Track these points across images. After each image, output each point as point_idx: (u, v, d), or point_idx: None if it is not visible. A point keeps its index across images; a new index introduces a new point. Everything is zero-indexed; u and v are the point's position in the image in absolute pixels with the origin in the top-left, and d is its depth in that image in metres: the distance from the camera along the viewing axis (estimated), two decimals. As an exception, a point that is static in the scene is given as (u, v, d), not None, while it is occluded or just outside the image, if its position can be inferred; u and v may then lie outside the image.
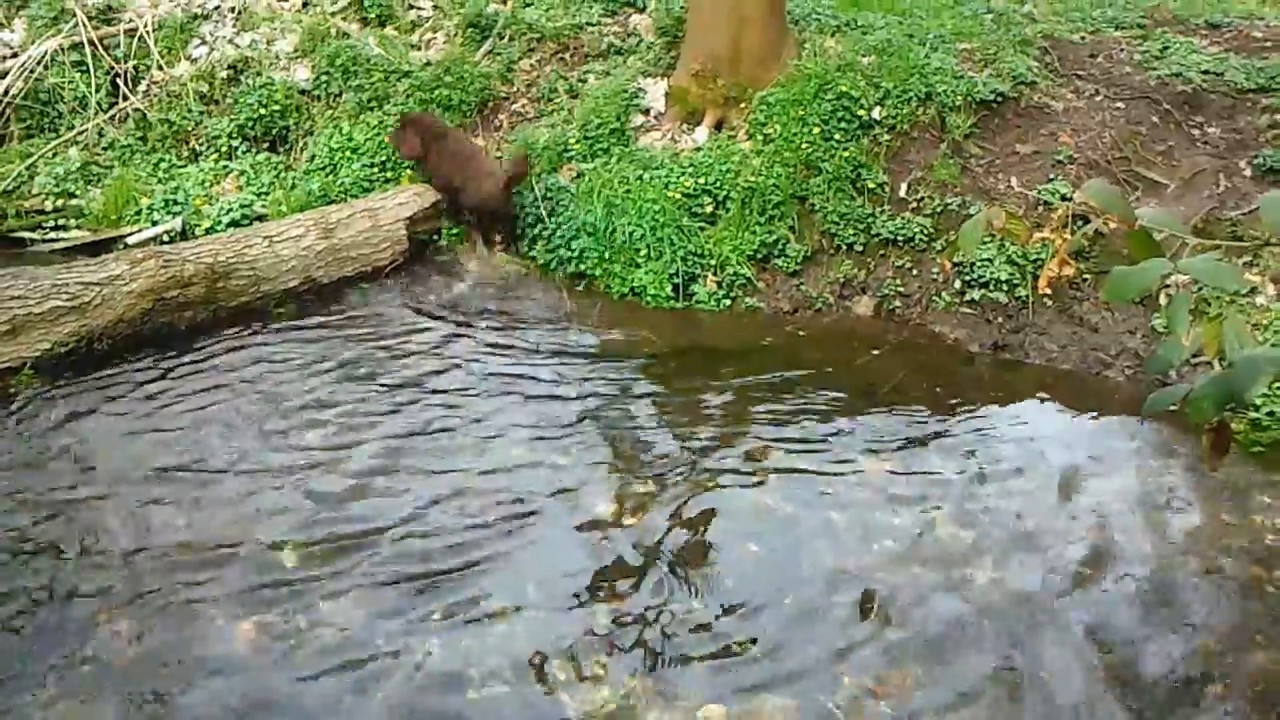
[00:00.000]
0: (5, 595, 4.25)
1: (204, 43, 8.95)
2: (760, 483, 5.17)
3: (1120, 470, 5.35)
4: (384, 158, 7.93)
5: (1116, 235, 6.40)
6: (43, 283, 6.03)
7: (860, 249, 7.16)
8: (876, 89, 7.60)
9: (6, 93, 8.42)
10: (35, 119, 8.52)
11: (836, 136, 7.40)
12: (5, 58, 8.68)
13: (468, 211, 7.50)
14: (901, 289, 7.03)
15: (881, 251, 7.16)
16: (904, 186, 7.33)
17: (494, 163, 7.63)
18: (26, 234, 7.80)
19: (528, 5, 9.04)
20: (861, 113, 7.49)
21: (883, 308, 7.02)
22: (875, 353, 6.58)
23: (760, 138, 7.52)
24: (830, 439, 5.54)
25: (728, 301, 7.06)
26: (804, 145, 7.32)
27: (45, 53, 8.59)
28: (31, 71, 8.52)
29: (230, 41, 8.91)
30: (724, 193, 7.28)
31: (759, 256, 7.18)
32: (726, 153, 7.47)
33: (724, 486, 5.12)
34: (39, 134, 8.44)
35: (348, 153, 7.99)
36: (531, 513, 4.82)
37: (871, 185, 7.31)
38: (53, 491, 4.93)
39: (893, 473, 5.25)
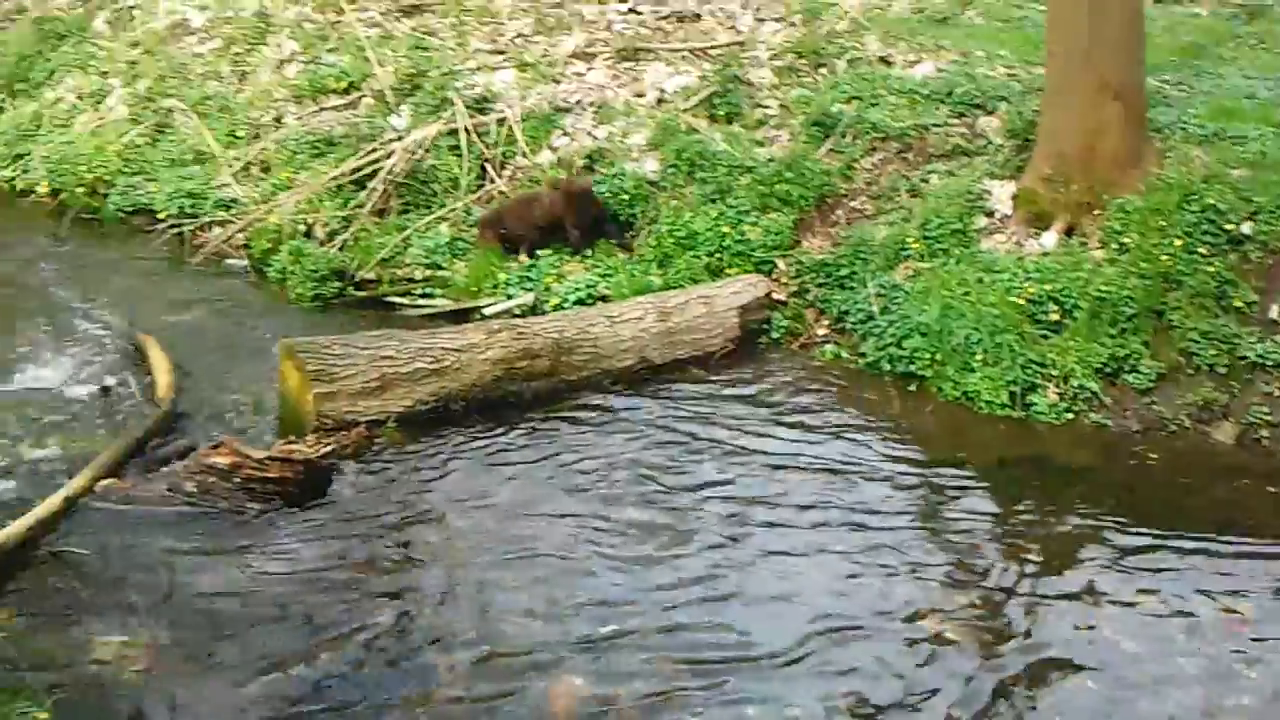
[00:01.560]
0: (356, 630, 4.81)
1: (565, 134, 9.86)
2: (1098, 614, 5.04)
3: None
4: (715, 247, 8.36)
5: None
6: (410, 345, 6.81)
7: (1223, 370, 6.87)
8: (1248, 203, 7.32)
9: (391, 171, 9.57)
10: (413, 196, 9.65)
11: (1201, 250, 7.19)
12: (392, 140, 9.87)
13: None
14: (1270, 418, 6.67)
15: (1248, 375, 6.85)
16: (1275, 308, 6.96)
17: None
18: (397, 299, 8.85)
19: (873, 105, 9.35)
20: (1230, 227, 7.25)
21: (1246, 436, 6.68)
22: (1236, 485, 6.23)
23: (1115, 246, 7.42)
24: (1180, 574, 5.32)
25: (1069, 415, 6.94)
26: (1163, 257, 7.15)
27: (426, 137, 9.74)
28: (413, 153, 9.67)
29: (589, 133, 9.77)
30: (1071, 301, 7.21)
31: (1106, 370, 7.05)
32: (1076, 260, 7.41)
33: (1058, 613, 5.05)
34: (414, 210, 9.55)
35: (686, 242, 8.48)
36: (857, 627, 4.91)
37: (1239, 304, 7.03)
38: (403, 540, 5.55)
39: (1252, 621, 4.95)
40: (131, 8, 13.74)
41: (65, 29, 13.63)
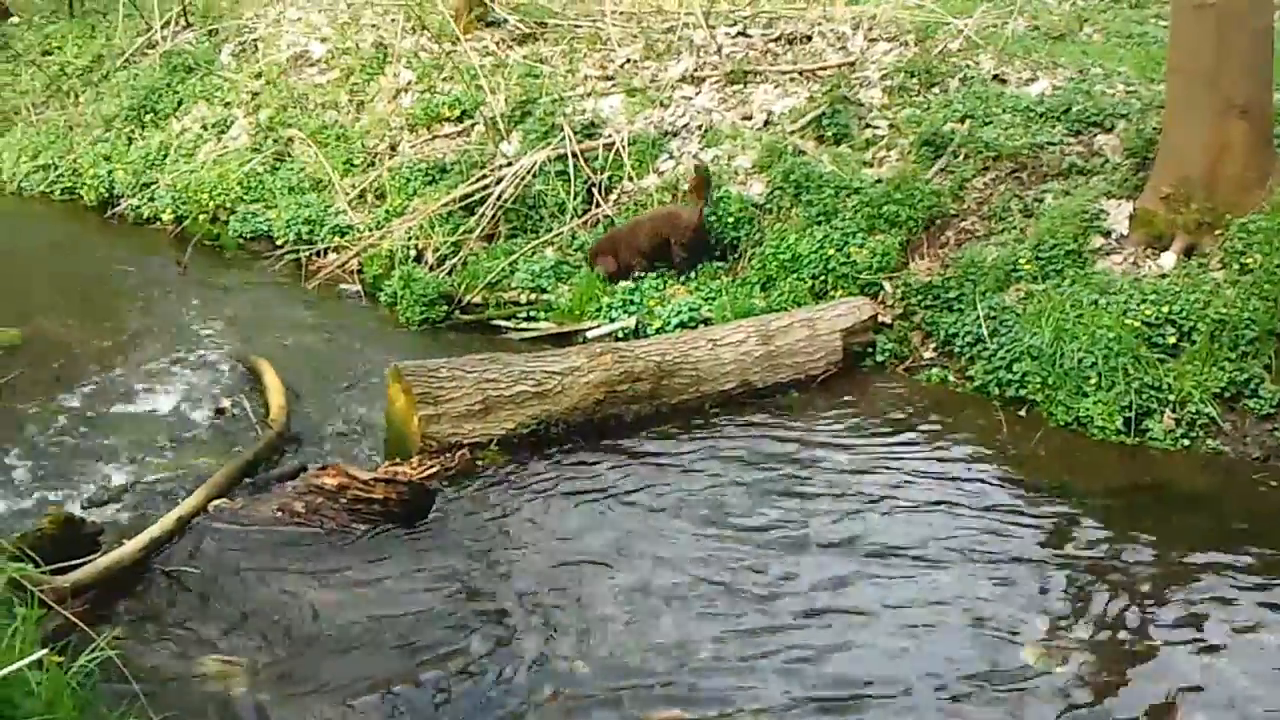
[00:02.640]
0: (455, 653, 4.94)
1: (671, 157, 10.01)
2: (1211, 649, 4.91)
3: None
4: (820, 269, 8.41)
5: None
6: (514, 368, 6.98)
7: (1349, 396, 6.63)
8: (1379, 224, 7.06)
9: (500, 197, 9.84)
10: (520, 221, 9.92)
11: (1327, 272, 6.95)
12: (502, 166, 10.15)
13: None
14: (1396, 445, 6.40)
15: (1374, 401, 6.59)
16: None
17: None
18: (503, 322, 9.12)
19: (986, 124, 9.28)
20: (1360, 248, 6.98)
21: (1371, 464, 6.43)
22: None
23: (1236, 267, 7.23)
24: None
25: (1186, 441, 6.78)
26: (1289, 278, 6.93)
27: (535, 163, 10.00)
28: (522, 179, 9.91)
29: (695, 157, 9.88)
30: (1190, 324, 7.06)
31: (1225, 395, 6.86)
32: (1196, 281, 7.25)
33: (1174, 644, 4.93)
34: (522, 234, 9.81)
35: (790, 264, 8.54)
36: (965, 658, 4.87)
37: (1366, 327, 6.77)
38: (505, 563, 5.68)
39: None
40: (256, 40, 14.42)
41: (193, 62, 14.35)
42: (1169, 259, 7.66)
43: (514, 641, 5.00)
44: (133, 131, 13.80)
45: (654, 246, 8.95)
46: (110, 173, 13.20)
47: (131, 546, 5.44)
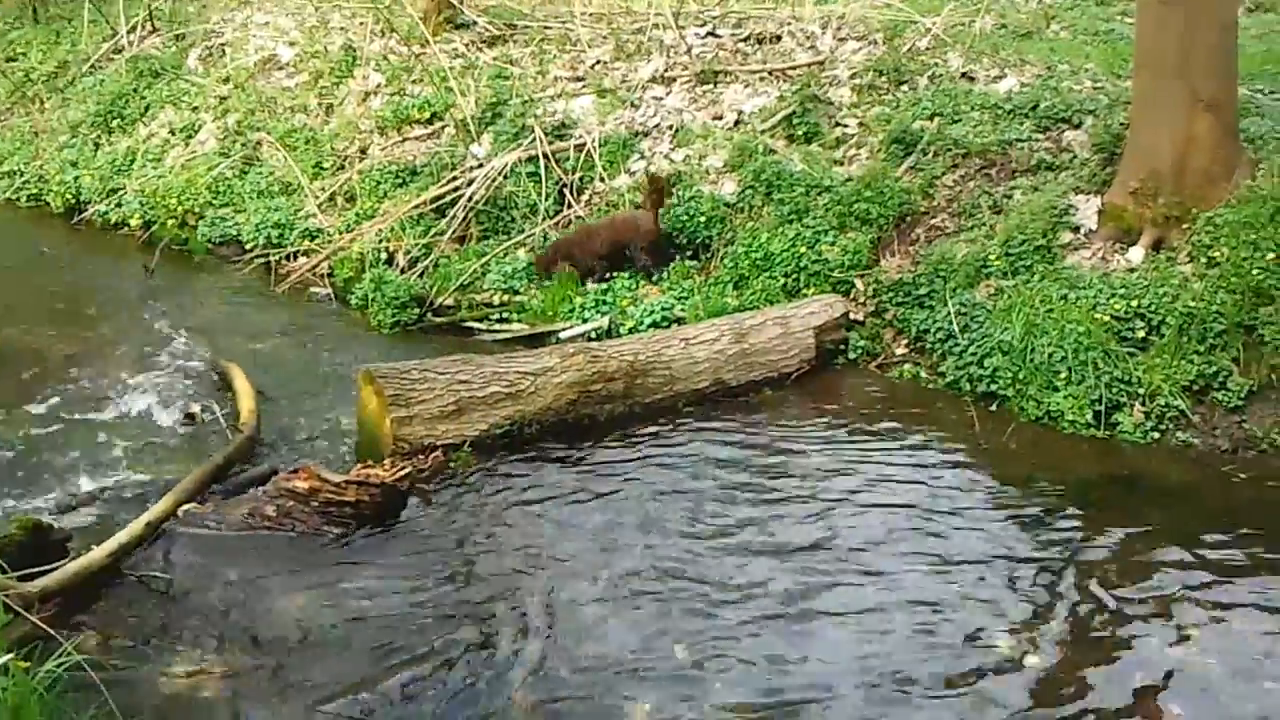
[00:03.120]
0: (429, 654, 4.94)
1: (642, 157, 10.02)
2: (1184, 639, 4.96)
3: None
4: (792, 267, 8.43)
5: None
6: (486, 369, 6.98)
7: (1317, 388, 6.71)
8: (1347, 214, 7.14)
9: (471, 199, 9.83)
10: (491, 223, 9.90)
11: (1296, 263, 7.02)
12: (473, 168, 10.14)
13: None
14: (1366, 436, 6.49)
15: (1343, 392, 6.66)
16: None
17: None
18: (475, 324, 9.10)
19: (955, 122, 9.34)
20: (1327, 239, 7.06)
21: (1340, 455, 6.50)
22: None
23: (1204, 260, 7.31)
24: (1270, 595, 5.22)
25: (1155, 434, 6.85)
26: (1255, 271, 7.02)
27: (506, 164, 9.98)
28: (493, 180, 9.90)
29: (666, 157, 9.91)
30: (1158, 317, 7.13)
31: (1195, 388, 6.93)
32: (1164, 275, 7.33)
33: (1145, 635, 4.99)
34: (493, 236, 9.80)
35: (763, 263, 8.56)
36: (935, 650, 4.91)
37: (1334, 318, 6.85)
38: (478, 564, 5.69)
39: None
40: (223, 45, 14.33)
41: (160, 67, 14.25)
42: (1137, 253, 7.73)
43: (487, 643, 5.01)
44: (99, 137, 13.68)
45: (613, 251, 8.97)
46: (77, 179, 13.08)
47: (100, 552, 5.41)
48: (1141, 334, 7.16)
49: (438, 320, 9.25)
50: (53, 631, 4.35)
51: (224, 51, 14.24)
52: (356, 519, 5.97)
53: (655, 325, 8.35)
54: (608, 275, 9.03)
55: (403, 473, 6.26)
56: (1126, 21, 11.39)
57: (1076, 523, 5.96)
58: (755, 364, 7.71)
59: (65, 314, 9.69)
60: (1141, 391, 6.97)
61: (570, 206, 9.84)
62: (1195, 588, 5.33)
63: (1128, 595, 5.29)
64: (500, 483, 6.51)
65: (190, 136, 12.95)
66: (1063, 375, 7.08)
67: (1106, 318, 7.21)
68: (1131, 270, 7.58)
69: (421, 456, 6.54)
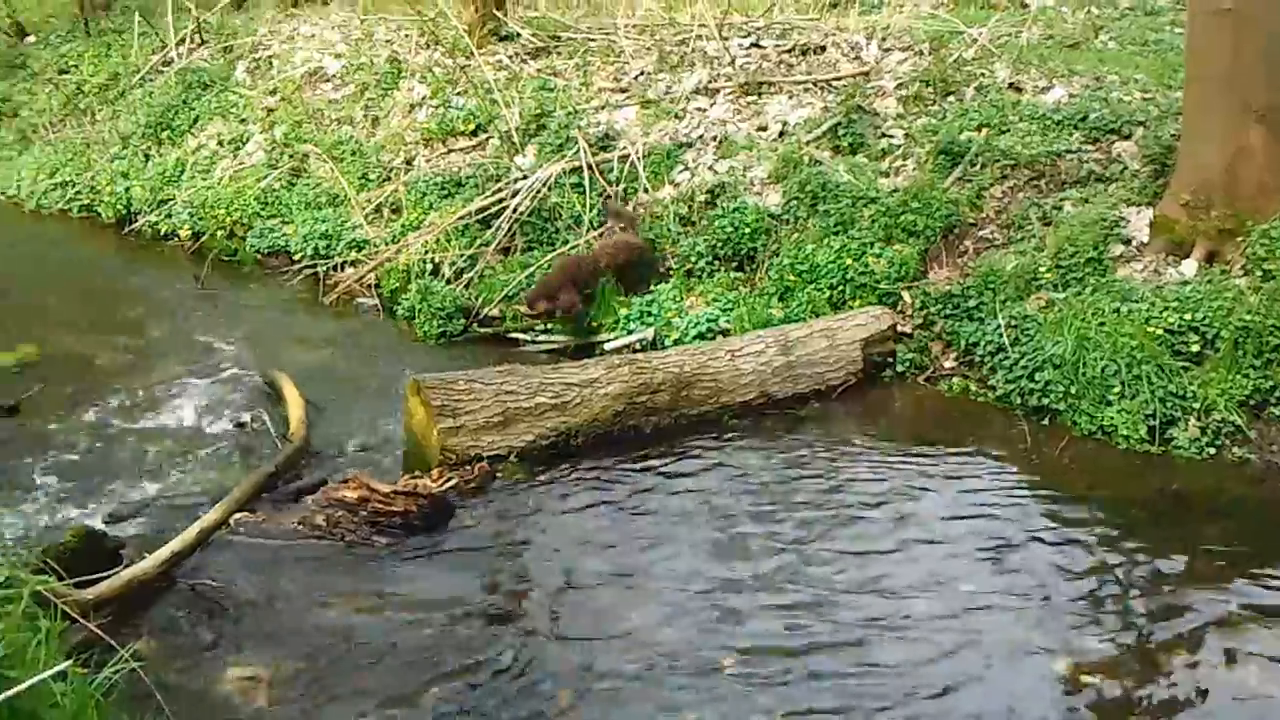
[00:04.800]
0: (474, 665, 4.96)
1: (686, 169, 10.02)
2: (1241, 657, 4.89)
3: None
4: (838, 279, 8.37)
5: None
6: (532, 381, 6.99)
7: (1377, 403, 6.58)
8: (1404, 226, 7.02)
9: (516, 210, 9.86)
10: (536, 234, 9.92)
11: (1353, 277, 6.91)
12: (517, 179, 10.17)
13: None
14: None
15: (1403, 408, 6.53)
16: None
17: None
18: (520, 335, 9.10)
19: (1003, 132, 9.27)
20: (1385, 251, 6.94)
21: (1401, 472, 6.37)
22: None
23: (1259, 273, 7.19)
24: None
25: (1211, 450, 6.74)
26: (1312, 284, 6.88)
27: (550, 175, 10.01)
28: (537, 192, 9.93)
29: (710, 168, 9.90)
30: (1213, 331, 7.02)
31: (1251, 403, 6.81)
32: (1218, 288, 7.21)
33: (1199, 655, 4.91)
34: (538, 247, 9.81)
35: (808, 275, 8.52)
36: (989, 667, 4.87)
37: (1394, 332, 6.72)
38: (524, 575, 5.71)
39: None
40: (270, 57, 14.49)
41: (208, 79, 14.42)
42: (1190, 266, 7.63)
43: (532, 654, 5.01)
44: (149, 148, 13.86)
45: (616, 271, 9.01)
46: (128, 189, 13.25)
47: (153, 560, 5.47)
48: (1196, 348, 7.06)
49: (483, 331, 9.28)
50: (108, 638, 4.38)
51: (271, 64, 14.41)
52: (404, 529, 6.01)
53: (700, 337, 8.33)
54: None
55: (450, 483, 6.32)
56: (1176, 32, 11.26)
57: (1131, 540, 5.87)
58: (801, 376, 7.66)
59: (116, 323, 9.81)
60: (1196, 406, 6.86)
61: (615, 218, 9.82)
62: (1253, 608, 5.24)
63: (1184, 615, 5.20)
64: (546, 494, 6.52)
65: (238, 148, 13.09)
66: (1116, 389, 6.99)
67: (1160, 331, 7.11)
68: (1184, 283, 7.47)
69: (468, 467, 6.59)
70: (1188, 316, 7.13)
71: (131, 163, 13.71)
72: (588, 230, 9.72)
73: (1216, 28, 7.61)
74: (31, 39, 18.53)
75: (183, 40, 15.51)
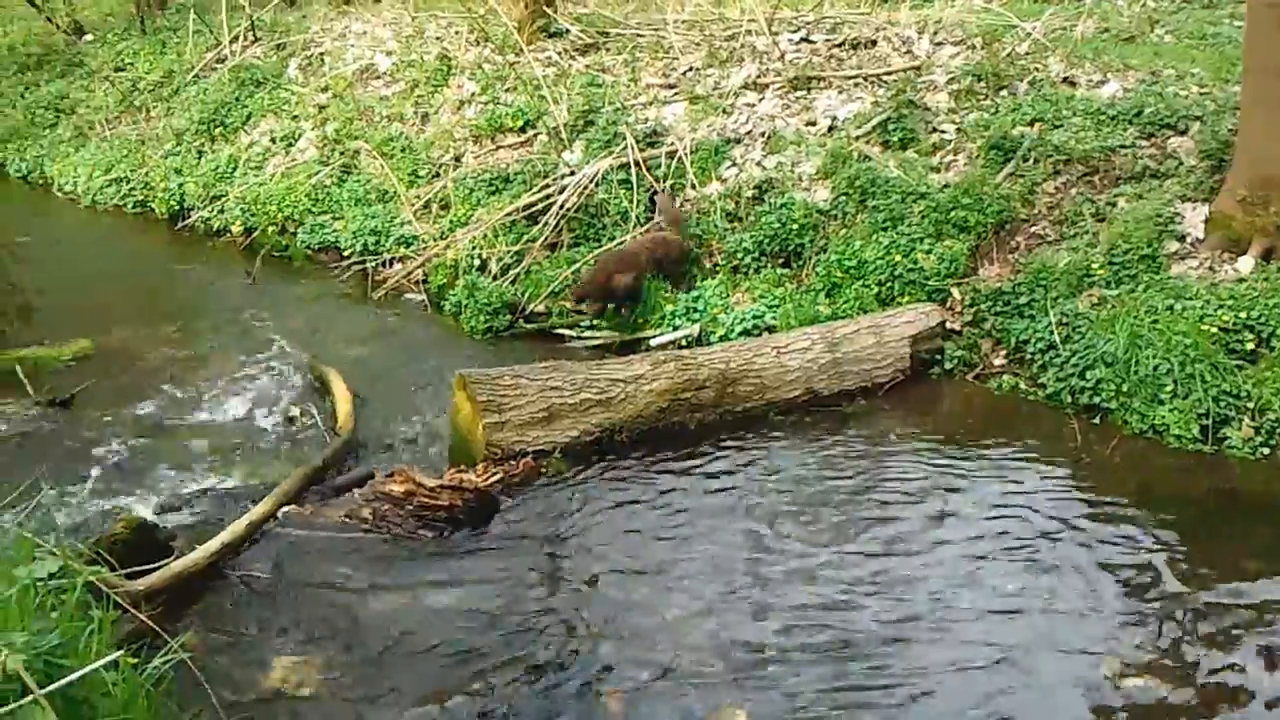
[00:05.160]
0: (518, 660, 5.01)
1: (734, 164, 9.99)
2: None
3: None
4: (886, 275, 8.32)
5: None
6: (577, 376, 7.01)
7: None
8: None
9: (563, 206, 9.89)
10: (583, 229, 9.94)
11: None
12: (565, 175, 10.20)
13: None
14: None
15: None
16: None
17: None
18: (566, 331, 9.12)
19: (1056, 127, 9.16)
20: None
21: None
22: None
23: (1318, 270, 7.04)
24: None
25: (1265, 450, 6.62)
26: (1372, 282, 6.74)
27: (598, 171, 10.03)
28: (585, 188, 9.95)
29: (758, 164, 9.87)
30: (1269, 329, 6.90)
31: (1307, 403, 6.67)
32: (1275, 286, 7.10)
33: (1249, 656, 4.85)
34: (584, 243, 9.84)
35: (856, 271, 8.47)
36: (1034, 670, 4.83)
37: None
38: (568, 570, 5.74)
39: None
40: (322, 54, 14.65)
41: (261, 76, 14.61)
42: (1246, 263, 7.50)
43: (575, 647, 5.05)
44: (203, 145, 14.08)
45: (655, 266, 8.98)
46: (181, 185, 13.47)
47: (203, 552, 5.56)
48: (1250, 346, 6.94)
49: (529, 327, 9.33)
50: (159, 629, 4.45)
51: (323, 61, 14.57)
52: (450, 523, 6.06)
53: (746, 333, 8.31)
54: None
55: (495, 478, 6.36)
56: (1234, 25, 11.07)
57: (1181, 540, 5.79)
58: (848, 373, 7.63)
59: (169, 317, 9.98)
60: (1251, 406, 6.74)
61: (661, 214, 9.82)
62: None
63: (1235, 617, 5.13)
64: (590, 490, 6.54)
65: (290, 144, 13.25)
66: (1168, 388, 6.89)
67: (1214, 329, 6.99)
68: (1240, 280, 7.35)
69: (513, 462, 6.63)
70: (1243, 314, 7.01)
71: (185, 159, 13.94)
72: (634, 226, 9.73)
73: (1275, 20, 7.47)
74: (89, 37, 18.88)
75: (236, 38, 15.74)
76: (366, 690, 4.81)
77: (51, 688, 3.21)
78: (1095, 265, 7.80)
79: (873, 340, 7.73)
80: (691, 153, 10.15)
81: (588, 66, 12.28)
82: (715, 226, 9.48)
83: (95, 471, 6.88)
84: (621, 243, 9.51)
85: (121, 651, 3.81)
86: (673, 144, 10.29)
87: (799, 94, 10.77)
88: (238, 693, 4.74)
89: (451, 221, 10.68)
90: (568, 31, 13.01)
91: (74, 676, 3.34)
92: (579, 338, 9.08)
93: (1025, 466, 6.65)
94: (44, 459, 6.93)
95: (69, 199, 14.88)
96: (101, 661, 3.56)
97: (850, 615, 5.22)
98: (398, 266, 10.66)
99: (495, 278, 9.79)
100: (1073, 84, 9.97)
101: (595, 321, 9.03)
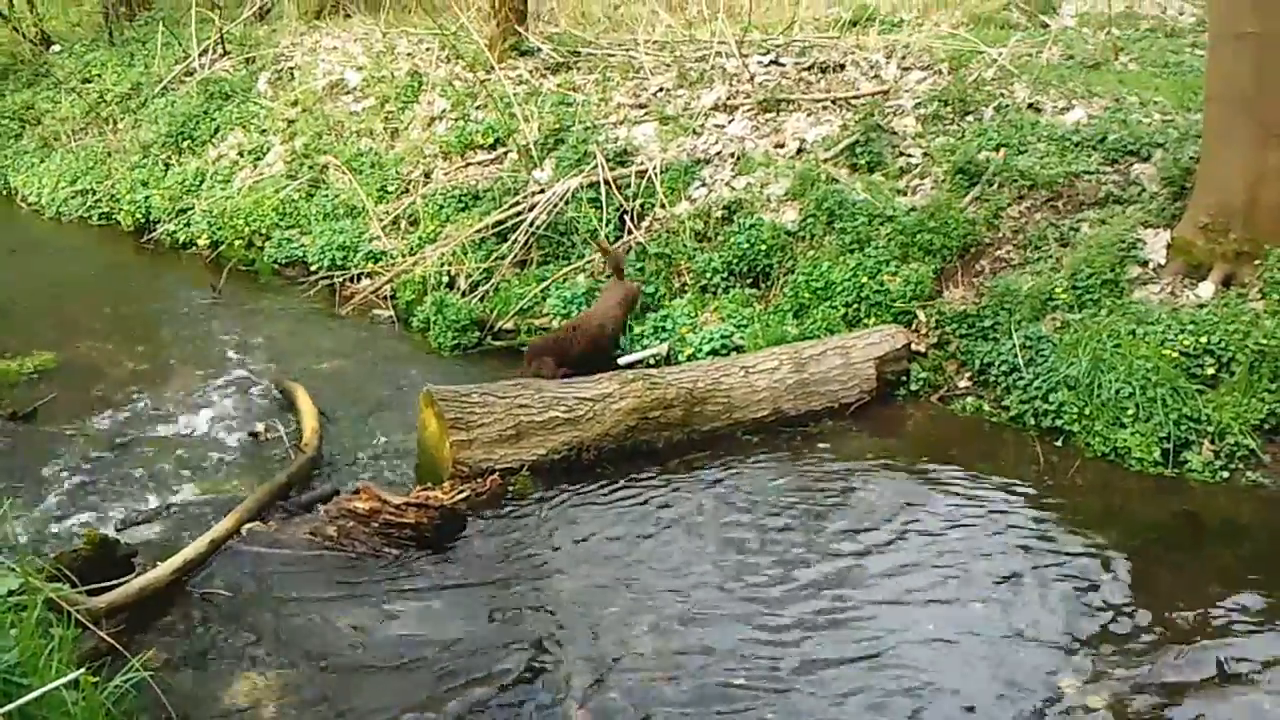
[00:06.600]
0: (484, 678, 4.97)
1: (703, 185, 10.05)
2: (1251, 683, 4.85)
3: None
4: (853, 297, 8.39)
5: None
6: (546, 394, 7.02)
7: (1394, 429, 6.55)
8: None
9: (532, 224, 9.91)
10: (552, 247, 9.97)
11: (1373, 302, 6.88)
12: (534, 193, 10.22)
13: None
14: None
15: None
16: None
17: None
18: (534, 349, 9.04)
19: (1021, 152, 9.27)
20: (1404, 276, 6.92)
21: None
22: None
23: (1276, 297, 7.18)
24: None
25: (1225, 474, 6.71)
26: (1330, 309, 6.86)
27: (568, 189, 10.06)
28: (554, 206, 9.98)
29: (727, 184, 9.94)
30: (1229, 354, 7.00)
31: (1265, 427, 6.79)
32: (1235, 311, 7.20)
33: (1211, 680, 4.87)
34: (554, 261, 9.87)
35: (823, 292, 8.54)
36: (998, 696, 4.83)
37: None
38: (535, 589, 5.71)
39: None
40: (292, 68, 14.62)
41: (229, 89, 14.56)
42: (1207, 289, 7.61)
43: (541, 668, 5.02)
44: (170, 158, 14.01)
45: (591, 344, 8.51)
46: (147, 198, 13.40)
47: (165, 569, 5.51)
48: (1211, 371, 7.05)
49: (498, 344, 9.33)
50: (120, 646, 4.41)
51: (293, 75, 14.55)
52: (416, 541, 6.03)
53: (714, 353, 8.35)
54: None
55: (461, 496, 6.35)
56: (1197, 54, 11.25)
57: (1143, 563, 5.85)
58: (815, 394, 7.67)
59: (132, 331, 9.90)
60: (1211, 430, 6.84)
61: (630, 232, 9.88)
62: (1259, 631, 5.22)
63: (1196, 638, 5.17)
64: (557, 508, 6.54)
65: (258, 158, 13.21)
66: (1130, 411, 6.97)
67: (1175, 354, 7.09)
68: (1201, 306, 7.46)
69: (480, 480, 6.61)
70: (1203, 339, 7.11)
71: (151, 171, 13.87)
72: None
73: (1238, 50, 7.60)
74: (57, 47, 18.75)
75: (205, 51, 15.70)
76: (330, 708, 4.77)
77: (10, 707, 3.18)
78: (1059, 289, 7.90)
79: (839, 361, 7.79)
80: (661, 172, 10.20)
81: (559, 85, 12.32)
82: (684, 246, 9.52)
83: (56, 487, 6.81)
84: (590, 261, 9.51)
85: (82, 670, 3.77)
86: (642, 163, 10.34)
87: (768, 116, 10.85)
88: (199, 710, 4.68)
89: (420, 238, 10.68)
90: (539, 50, 13.06)
91: (33, 695, 3.31)
92: (548, 356, 9.04)
93: (989, 488, 6.70)
94: (4, 474, 6.85)
95: (33, 210, 14.75)
96: (61, 680, 3.52)
97: (815, 633, 5.23)
98: (365, 282, 10.64)
99: (464, 294, 9.79)
100: (1038, 110, 10.10)
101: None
